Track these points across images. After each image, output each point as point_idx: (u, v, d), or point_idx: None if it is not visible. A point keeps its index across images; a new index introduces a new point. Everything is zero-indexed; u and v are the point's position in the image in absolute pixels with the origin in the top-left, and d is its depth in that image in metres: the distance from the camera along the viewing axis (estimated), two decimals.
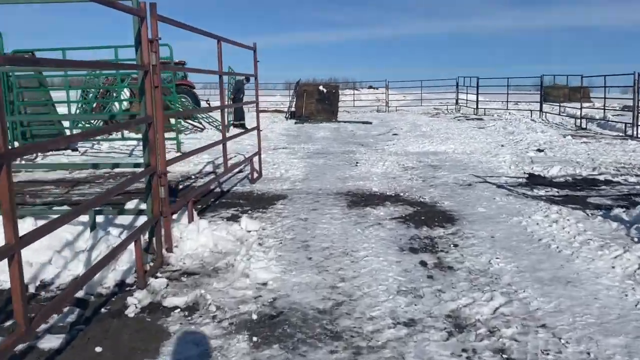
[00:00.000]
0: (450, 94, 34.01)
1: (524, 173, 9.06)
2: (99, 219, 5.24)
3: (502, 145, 13.12)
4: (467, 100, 28.10)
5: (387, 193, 7.64)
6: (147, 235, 4.92)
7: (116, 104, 16.87)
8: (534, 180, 8.42)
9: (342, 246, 5.21)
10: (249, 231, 5.70)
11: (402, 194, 7.55)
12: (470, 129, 18.41)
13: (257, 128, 8.98)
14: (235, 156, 11.62)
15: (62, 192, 8.17)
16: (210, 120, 19.44)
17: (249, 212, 6.61)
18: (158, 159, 4.81)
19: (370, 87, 40.67)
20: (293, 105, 24.89)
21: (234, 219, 6.25)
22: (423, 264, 4.76)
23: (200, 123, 18.91)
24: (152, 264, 4.74)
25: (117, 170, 10.01)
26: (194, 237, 5.19)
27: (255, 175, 8.95)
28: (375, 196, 7.44)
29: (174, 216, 5.68)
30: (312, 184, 8.34)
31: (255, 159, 9.11)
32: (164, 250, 4.89)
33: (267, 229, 5.84)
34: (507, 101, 26.69)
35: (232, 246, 5.23)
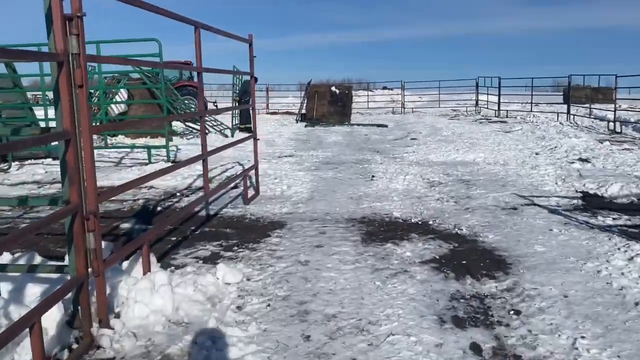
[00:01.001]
0: (468, 95, 32.24)
1: (576, 192, 7.36)
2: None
3: (537, 154, 11.39)
4: (487, 101, 26.28)
5: (412, 220, 6.01)
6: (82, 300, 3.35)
7: (113, 107, 15.42)
8: (592, 202, 6.72)
9: (355, 313, 3.60)
10: (228, 284, 4.10)
11: (431, 222, 5.91)
12: (495, 133, 16.66)
13: (254, 136, 7.37)
14: (232, 167, 10.04)
15: None
16: (215, 124, 17.90)
17: (234, 249, 5.01)
18: (84, 193, 3.24)
19: (385, 87, 38.99)
20: (304, 108, 23.30)
21: (212, 260, 4.66)
22: (476, 349, 3.13)
23: (208, 126, 17.37)
24: (76, 346, 3.17)
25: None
26: (145, 299, 3.60)
27: (251, 193, 7.37)
28: (397, 225, 5.81)
29: (125, 264, 4.11)
30: (319, 205, 6.73)
31: (252, 173, 7.53)
32: (94, 325, 3.30)
33: (252, 278, 4.24)
34: (531, 103, 24.83)
35: (200, 311, 3.64)
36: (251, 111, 7.66)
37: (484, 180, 8.27)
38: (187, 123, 16.77)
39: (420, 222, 5.90)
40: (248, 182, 8.07)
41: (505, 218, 6.02)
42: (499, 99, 24.72)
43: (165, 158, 10.99)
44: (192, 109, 20.60)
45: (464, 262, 4.61)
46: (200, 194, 7.50)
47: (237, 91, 17.59)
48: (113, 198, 7.22)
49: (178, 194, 7.65)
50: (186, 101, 21.71)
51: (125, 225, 5.90)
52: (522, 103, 30.75)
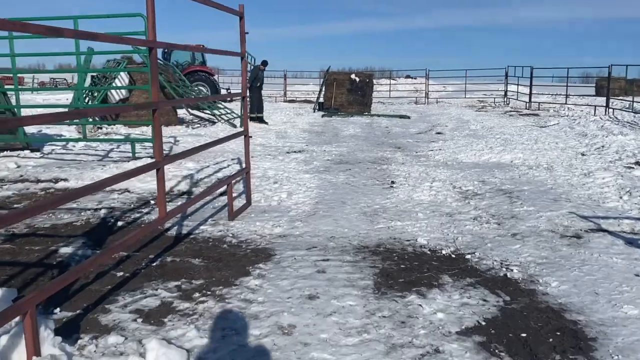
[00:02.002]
0: (494, 85, 30.29)
1: None
2: None
3: (583, 154, 9.67)
4: (517, 92, 24.33)
5: (444, 251, 4.45)
6: None
7: (114, 93, 14.02)
8: None
9: None
10: None
11: (469, 255, 4.34)
12: (530, 128, 14.89)
13: (245, 133, 5.84)
14: (229, 165, 8.53)
15: None
16: (224, 112, 16.43)
17: (195, 296, 3.52)
18: None
19: (408, 76, 37.11)
20: (321, 96, 21.70)
21: (159, 317, 3.19)
22: None
23: (214, 115, 15.83)
24: None
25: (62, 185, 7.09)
26: None
27: (241, 203, 5.88)
28: (423, 259, 4.26)
29: (13, 326, 2.65)
30: (322, 224, 5.19)
31: (239, 180, 6.03)
32: None
33: None
34: (566, 94, 22.83)
35: None
36: (242, 104, 6.11)
37: (529, 191, 6.62)
38: (192, 111, 15.31)
39: (454, 256, 4.34)
40: (237, 188, 6.60)
41: (568, 252, 4.42)
42: (530, 90, 22.79)
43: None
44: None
45: (523, 334, 3.05)
46: (180, 202, 6.04)
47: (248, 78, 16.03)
48: (73, 206, 5.80)
49: (153, 201, 6.18)
50: (198, 87, 20.31)
51: (65, 251, 4.45)
52: (552, 95, 28.72)
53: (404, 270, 4.01)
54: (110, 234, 4.96)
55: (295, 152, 10.27)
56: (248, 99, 16.76)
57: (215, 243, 4.66)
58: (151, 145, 10.60)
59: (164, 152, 10.09)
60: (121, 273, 3.96)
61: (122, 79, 14.10)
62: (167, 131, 13.37)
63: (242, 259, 4.24)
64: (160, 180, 3.86)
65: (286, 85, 28.96)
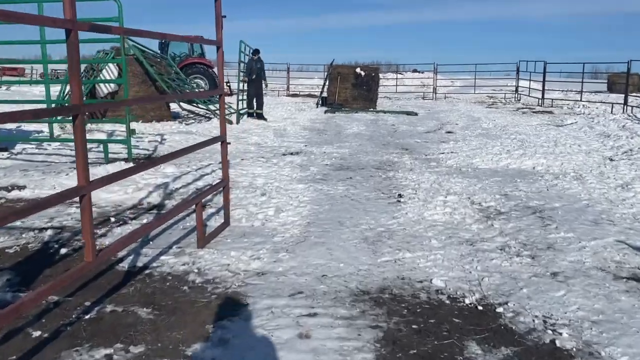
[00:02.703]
0: (503, 81, 29.04)
1: None
2: None
3: (612, 160, 8.57)
4: (529, 88, 23.12)
5: (466, 299, 3.39)
6: None
7: (102, 86, 12.99)
8: None
9: None
10: None
11: (500, 308, 3.28)
12: (546, 127, 13.77)
13: (222, 139, 4.76)
14: (213, 172, 7.47)
15: None
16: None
17: None
18: None
19: (415, 70, 35.91)
20: (325, 90, 20.59)
21: None
22: None
23: (210, 110, 14.74)
24: None
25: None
26: None
27: (218, 223, 4.84)
28: (441, 313, 3.21)
29: None
30: (312, 256, 4.13)
31: (219, 192, 4.99)
32: None
33: None
34: (582, 91, 21.61)
35: None
36: (219, 101, 5.04)
37: (562, 209, 5.53)
38: (184, 105, 14.23)
39: (480, 307, 3.28)
40: (217, 202, 5.55)
41: (630, 303, 3.36)
42: (543, 86, 21.60)
43: (139, 155, 8.51)
44: (203, 91, 18.12)
45: None
46: (146, 220, 5.01)
47: (244, 70, 14.95)
48: (16, 224, 4.78)
49: (114, 219, 5.13)
50: (195, 81, 19.26)
51: None
52: (563, 91, 27.49)
53: (416, 333, 2.96)
54: (48, 265, 3.93)
55: (292, 154, 9.21)
56: (245, 94, 15.76)
57: (175, 283, 3.62)
58: (141, 142, 9.56)
59: (147, 151, 9.08)
60: (39, 332, 2.94)
61: (111, 71, 13.08)
62: (157, 127, 12.35)
63: (203, 311, 3.20)
64: (86, 211, 2.80)
65: (289, 79, 27.84)
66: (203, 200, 4.59)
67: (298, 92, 28.10)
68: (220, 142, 4.74)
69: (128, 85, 13.40)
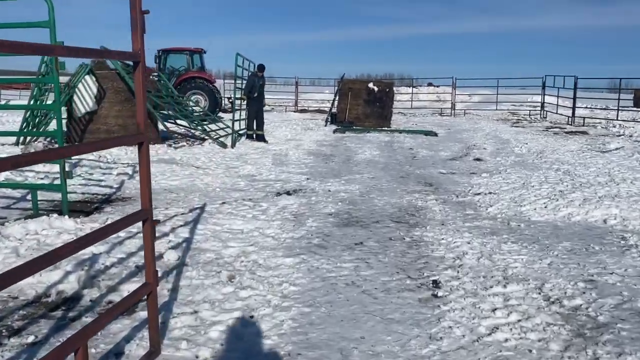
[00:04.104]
0: (523, 96, 26.90)
1: None
2: None
3: None
4: (557, 105, 20.93)
5: None
6: None
7: (79, 104, 11.11)
8: None
9: None
10: None
11: None
12: (588, 153, 11.64)
13: (146, 216, 2.75)
14: (173, 231, 5.45)
15: None
16: (218, 127, 13.43)
17: None
18: None
19: (430, 84, 33.85)
20: (334, 107, 18.62)
21: None
22: None
23: (204, 130, 12.75)
24: None
25: None
26: None
27: (134, 355, 2.82)
28: None
29: None
30: None
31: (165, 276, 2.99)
32: None
33: None
34: (618, 108, 19.37)
35: None
36: (139, 122, 3.05)
37: None
38: (169, 126, 12.28)
39: None
40: (163, 288, 3.54)
41: None
42: (574, 104, 19.40)
43: (92, 198, 6.50)
44: (200, 109, 16.24)
45: None
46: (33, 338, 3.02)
47: (244, 87, 13.02)
48: None
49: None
50: (195, 97, 17.39)
51: None
52: (590, 108, 25.25)
53: None
54: None
55: (288, 193, 7.22)
56: (245, 113, 13.86)
57: None
58: (108, 175, 7.58)
59: (107, 191, 7.10)
60: None
61: (89, 87, 11.20)
62: (136, 152, 10.42)
63: None
64: None
65: (297, 94, 25.91)
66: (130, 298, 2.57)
67: (307, 108, 26.19)
68: (143, 221, 2.75)
69: (107, 103, 11.62)
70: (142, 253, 4.41)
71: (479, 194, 7.28)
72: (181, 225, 5.31)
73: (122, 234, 4.92)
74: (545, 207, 6.35)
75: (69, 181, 7.59)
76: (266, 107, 21.46)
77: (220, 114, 17.53)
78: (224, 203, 6.47)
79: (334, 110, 18.52)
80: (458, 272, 4.07)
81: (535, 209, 6.27)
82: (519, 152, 11.79)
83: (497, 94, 23.64)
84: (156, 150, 10.80)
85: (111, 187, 7.40)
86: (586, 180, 8.31)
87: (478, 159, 10.85)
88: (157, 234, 4.99)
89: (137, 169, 8.50)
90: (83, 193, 6.99)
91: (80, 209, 6.12)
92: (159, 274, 3.64)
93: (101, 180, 7.73)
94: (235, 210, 6.04)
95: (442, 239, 5.02)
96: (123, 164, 8.97)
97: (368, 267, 4.14)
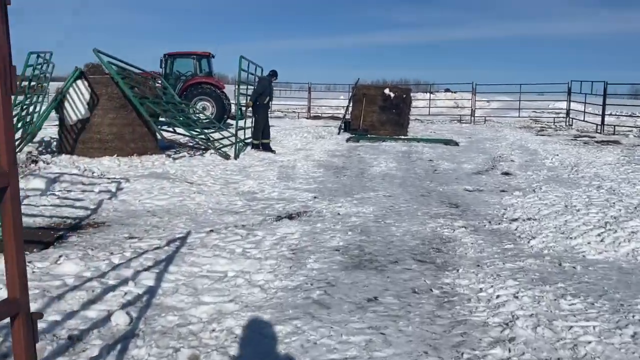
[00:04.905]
0: (544, 102, 25.52)
1: None
2: None
3: None
4: (584, 112, 19.52)
5: None
6: None
7: (70, 112, 10.10)
8: None
9: None
10: None
11: None
12: (627, 166, 10.33)
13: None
14: (134, 281, 4.34)
15: None
16: (223, 135, 12.36)
17: None
18: None
19: (447, 90, 32.53)
20: (348, 114, 17.48)
21: None
22: None
23: (208, 139, 11.67)
24: None
25: None
26: None
27: None
28: None
29: None
30: None
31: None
32: None
33: None
34: None
35: None
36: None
37: None
38: (165, 133, 11.22)
39: None
40: None
41: None
42: (603, 110, 18.00)
43: (51, 224, 5.43)
44: (207, 115, 15.21)
45: None
46: None
47: (252, 93, 11.94)
48: None
49: None
50: (200, 104, 16.37)
51: None
52: (615, 115, 23.75)
53: None
54: None
55: (290, 217, 6.09)
56: (252, 120, 12.79)
57: None
58: (88, 193, 6.46)
59: (81, 214, 5.96)
60: None
61: (81, 93, 10.20)
62: (134, 164, 9.36)
63: None
64: None
65: (310, 100, 24.78)
66: None
67: (320, 114, 25.08)
68: (11, 317, 1.62)
69: (100, 110, 10.61)
70: (87, 313, 3.30)
71: (515, 219, 6.07)
72: (150, 267, 4.19)
73: (74, 270, 3.81)
74: (602, 240, 5.12)
75: (40, 200, 6.60)
76: (278, 114, 20.31)
77: (230, 121, 16.50)
78: (211, 231, 5.36)
79: (348, 117, 17.37)
80: (510, 351, 2.89)
81: (589, 243, 5.05)
82: (550, 165, 10.53)
83: (520, 100, 22.24)
84: (152, 162, 9.76)
85: (87, 208, 6.32)
86: (632, 199, 7.07)
87: (506, 173, 9.62)
88: (115, 280, 3.87)
89: (123, 185, 7.45)
90: (52, 216, 5.92)
91: (39, 238, 5.04)
92: (96, 350, 2.53)
93: (78, 200, 6.67)
94: (223, 242, 4.92)
95: (481, 289, 3.84)
96: (109, 179, 7.91)
97: (385, 342, 2.97)
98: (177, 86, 16.80)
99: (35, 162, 8.88)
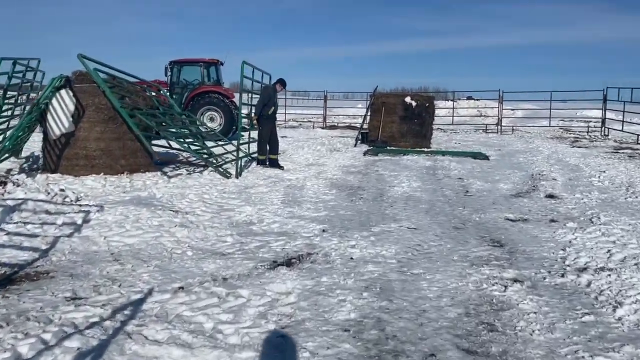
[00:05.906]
0: (572, 111, 23.74)
1: None
2: None
3: None
4: (622, 121, 17.75)
5: None
6: None
7: (52, 125, 8.83)
8: None
9: None
10: None
11: None
12: None
13: None
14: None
15: None
16: (225, 151, 11.02)
17: None
18: None
19: (470, 97, 30.88)
20: (366, 124, 16.03)
21: None
22: None
23: (210, 154, 10.29)
24: None
25: None
26: None
27: None
28: None
29: None
30: None
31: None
32: None
33: None
34: None
35: None
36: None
37: None
38: (149, 149, 9.84)
39: None
40: None
41: None
42: None
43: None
44: (211, 128, 13.89)
45: None
46: None
47: (257, 104, 10.58)
48: None
49: None
50: (207, 114, 15.08)
51: None
52: None
53: None
54: None
55: (288, 263, 4.66)
56: (258, 135, 11.41)
57: None
58: (48, 226, 5.10)
59: (35, 251, 4.59)
60: None
61: (64, 104, 8.93)
62: (122, 184, 8.03)
63: None
64: None
65: (326, 109, 23.36)
66: None
67: (336, 124, 23.66)
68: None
69: (86, 123, 9.34)
70: None
71: (583, 269, 4.55)
72: None
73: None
74: None
75: None
76: (293, 124, 18.87)
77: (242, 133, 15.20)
78: (180, 289, 3.95)
79: (365, 127, 15.93)
80: None
81: None
82: (599, 185, 8.93)
83: (550, 109, 20.50)
84: (144, 181, 8.46)
85: (36, 249, 4.97)
86: None
87: (551, 196, 8.05)
88: None
89: (92, 216, 6.09)
90: None
91: None
92: None
93: (31, 237, 5.32)
94: (190, 311, 3.51)
95: None
96: (80, 205, 6.57)
97: None
98: (183, 95, 15.57)
99: (4, 183, 7.61)
